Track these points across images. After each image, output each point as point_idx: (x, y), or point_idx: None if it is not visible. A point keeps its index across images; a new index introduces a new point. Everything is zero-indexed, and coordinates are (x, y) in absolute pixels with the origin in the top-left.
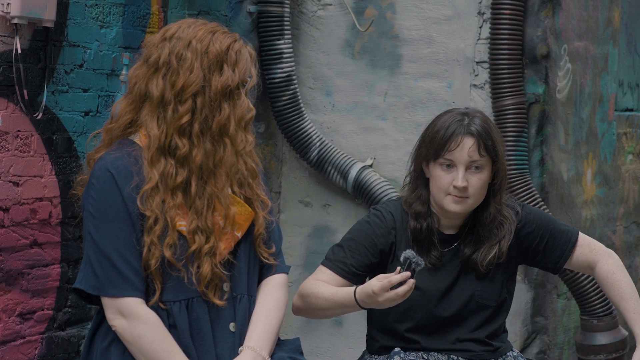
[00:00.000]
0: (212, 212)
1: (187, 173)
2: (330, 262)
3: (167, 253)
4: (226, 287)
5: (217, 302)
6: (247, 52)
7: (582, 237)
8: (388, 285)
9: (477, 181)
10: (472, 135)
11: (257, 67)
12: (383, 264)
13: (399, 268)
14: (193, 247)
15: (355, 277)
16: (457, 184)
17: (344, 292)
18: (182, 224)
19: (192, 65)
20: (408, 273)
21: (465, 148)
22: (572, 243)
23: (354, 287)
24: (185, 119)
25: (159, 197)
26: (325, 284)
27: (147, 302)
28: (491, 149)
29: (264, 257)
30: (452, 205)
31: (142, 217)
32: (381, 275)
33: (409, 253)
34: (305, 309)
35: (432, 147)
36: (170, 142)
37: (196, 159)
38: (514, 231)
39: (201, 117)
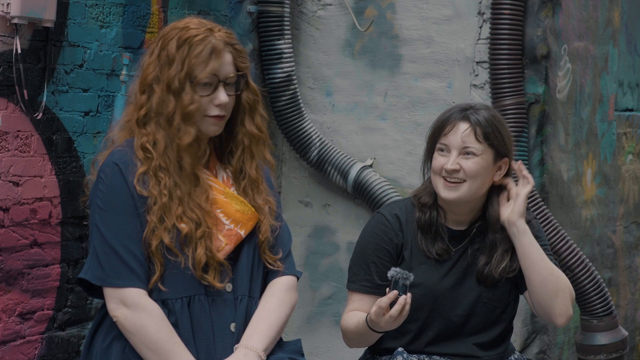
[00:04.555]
0: (197, 198)
1: (155, 161)
2: (355, 284)
3: (166, 239)
4: (229, 287)
5: (217, 284)
6: (209, 46)
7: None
8: (380, 311)
9: (471, 165)
10: (468, 121)
11: (221, 61)
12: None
13: (387, 289)
14: (184, 232)
15: (383, 288)
16: (446, 166)
17: (362, 325)
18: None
19: (152, 59)
20: (395, 292)
21: (459, 132)
22: None
23: (365, 317)
24: (142, 111)
25: (153, 181)
26: (352, 317)
27: (148, 285)
28: (492, 137)
29: (269, 264)
30: (443, 190)
31: (144, 198)
32: (377, 300)
33: (392, 272)
34: (352, 343)
35: (432, 133)
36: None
37: (158, 148)
38: None
39: (154, 109)
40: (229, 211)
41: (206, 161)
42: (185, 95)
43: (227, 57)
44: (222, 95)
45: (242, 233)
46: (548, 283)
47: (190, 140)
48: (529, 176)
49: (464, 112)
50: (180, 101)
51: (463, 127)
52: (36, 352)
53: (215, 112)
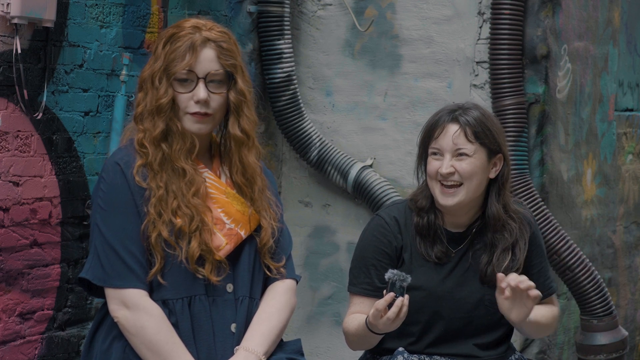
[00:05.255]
0: (187, 193)
1: (151, 156)
2: (356, 287)
3: (164, 232)
4: (229, 288)
5: (213, 279)
6: (188, 42)
7: (554, 295)
8: (378, 313)
9: (465, 166)
10: (457, 122)
11: (198, 57)
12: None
13: (385, 291)
14: (178, 226)
15: (383, 290)
16: (441, 170)
17: (362, 327)
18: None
19: (150, 57)
20: (392, 294)
21: (449, 135)
22: (547, 293)
23: (365, 320)
24: (139, 108)
25: (151, 174)
26: (353, 320)
27: (148, 276)
28: (483, 136)
29: (269, 270)
30: (441, 197)
31: (143, 189)
32: (375, 303)
33: (389, 274)
34: (354, 346)
35: (423, 138)
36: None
37: (153, 143)
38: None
39: (147, 105)
40: (230, 211)
41: (210, 161)
42: (160, 89)
43: (208, 54)
44: (200, 92)
45: (243, 233)
46: (544, 334)
47: (158, 134)
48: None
49: (453, 114)
50: (156, 94)
51: (453, 129)
52: (36, 352)
53: (194, 109)
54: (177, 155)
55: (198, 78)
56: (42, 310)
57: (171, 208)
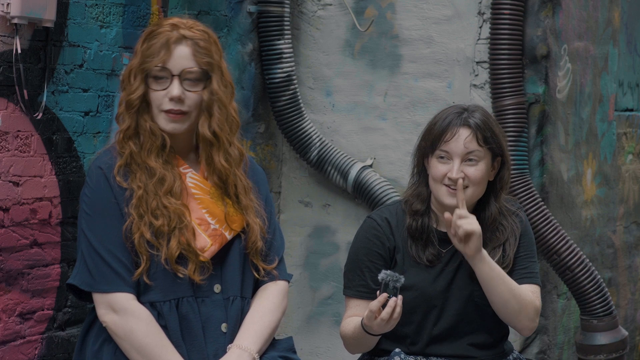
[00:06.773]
0: (161, 192)
1: (129, 156)
2: (351, 290)
3: (147, 233)
4: (217, 288)
5: (196, 278)
6: (163, 39)
7: (535, 286)
8: (372, 314)
9: (474, 172)
10: (469, 126)
11: (171, 54)
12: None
13: (378, 292)
14: (156, 226)
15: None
16: (451, 175)
17: (358, 329)
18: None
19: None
20: (385, 295)
21: (461, 139)
22: (521, 279)
23: (360, 321)
24: (121, 108)
25: (131, 175)
26: (350, 323)
27: (134, 276)
28: (491, 140)
29: (257, 272)
30: (447, 197)
31: (124, 189)
32: (369, 304)
33: (382, 274)
34: (353, 349)
35: (430, 139)
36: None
37: (123, 141)
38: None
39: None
40: (214, 211)
41: (196, 161)
42: (133, 85)
43: (182, 51)
44: (174, 89)
45: (227, 234)
46: (510, 304)
47: (126, 131)
48: (457, 224)
49: (461, 117)
50: (128, 90)
51: (465, 134)
52: (36, 352)
53: (168, 106)
54: (146, 154)
55: (172, 75)
56: (42, 310)
57: (151, 209)
